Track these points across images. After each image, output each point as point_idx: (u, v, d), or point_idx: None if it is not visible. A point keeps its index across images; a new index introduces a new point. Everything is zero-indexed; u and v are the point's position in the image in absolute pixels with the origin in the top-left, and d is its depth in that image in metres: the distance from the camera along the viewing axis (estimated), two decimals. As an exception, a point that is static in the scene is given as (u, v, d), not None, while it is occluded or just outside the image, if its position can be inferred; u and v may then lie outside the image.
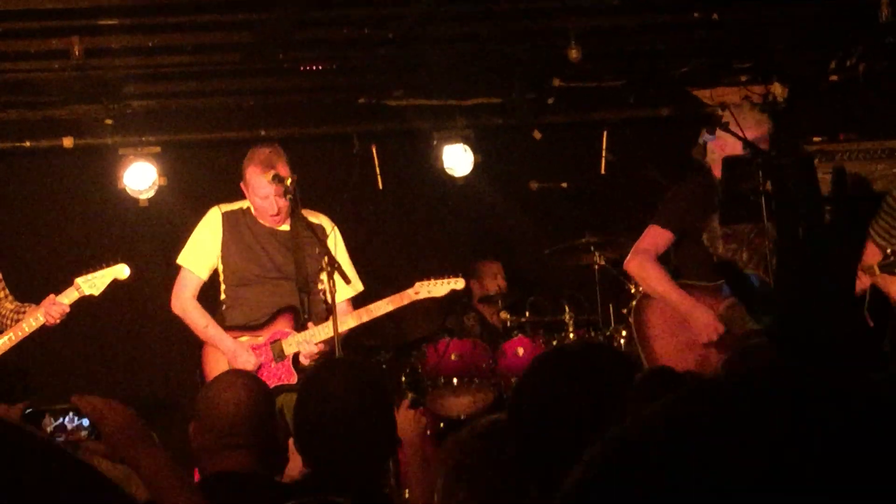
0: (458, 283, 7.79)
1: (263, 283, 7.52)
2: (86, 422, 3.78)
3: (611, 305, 8.92)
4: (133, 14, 7.44)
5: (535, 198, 10.11)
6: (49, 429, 4.12)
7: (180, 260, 7.65)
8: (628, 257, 7.44)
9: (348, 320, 7.49)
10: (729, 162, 7.03)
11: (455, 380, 8.57)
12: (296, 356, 7.43)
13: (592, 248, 8.87)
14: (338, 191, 9.76)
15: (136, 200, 9.19)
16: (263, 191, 7.41)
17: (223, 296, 7.61)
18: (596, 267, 8.91)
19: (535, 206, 10.21)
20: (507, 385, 8.67)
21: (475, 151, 9.81)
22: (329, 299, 7.17)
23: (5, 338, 7.41)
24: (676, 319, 7.10)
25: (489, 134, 10.03)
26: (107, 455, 3.34)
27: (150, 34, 7.80)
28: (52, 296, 7.41)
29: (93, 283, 7.49)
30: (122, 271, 7.58)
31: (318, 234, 7.42)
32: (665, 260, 7.42)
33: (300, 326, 7.48)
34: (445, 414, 8.56)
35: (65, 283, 7.54)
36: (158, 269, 8.84)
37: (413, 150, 10.02)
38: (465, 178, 9.90)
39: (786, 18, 8.66)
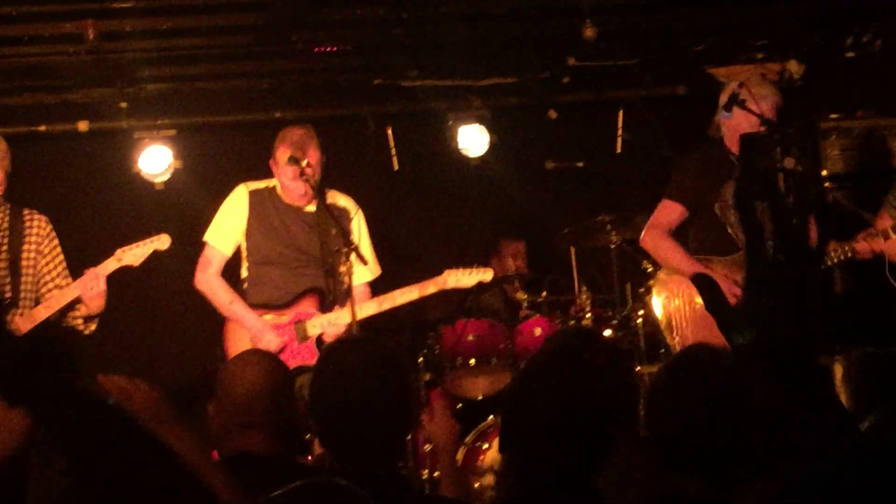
0: (487, 275, 7.79)
1: (287, 264, 7.55)
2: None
3: (628, 285, 8.90)
4: (147, -3, 7.44)
5: (551, 177, 10.08)
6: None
7: (206, 237, 7.70)
8: (643, 233, 7.46)
9: (368, 305, 7.50)
10: (746, 139, 7.01)
11: (472, 360, 8.55)
12: (319, 338, 7.44)
13: (609, 228, 8.85)
14: (353, 172, 9.75)
15: (151, 184, 9.19)
16: (292, 172, 7.43)
17: (245, 273, 7.64)
18: (612, 246, 8.89)
19: (550, 185, 10.19)
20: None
21: (490, 131, 9.79)
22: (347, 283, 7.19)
23: (42, 307, 7.38)
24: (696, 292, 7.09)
25: (504, 114, 10.01)
26: None
27: (164, 17, 7.79)
28: (91, 269, 7.39)
29: (134, 254, 7.46)
30: (163, 242, 7.55)
31: (340, 217, 7.43)
32: (684, 234, 7.42)
33: (325, 308, 7.50)
34: (463, 395, 8.55)
35: (80, 267, 7.54)
36: (175, 253, 8.84)
37: (428, 131, 10.01)
38: (481, 158, 9.88)
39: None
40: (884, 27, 9.16)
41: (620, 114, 10.11)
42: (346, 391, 3.92)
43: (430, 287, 7.64)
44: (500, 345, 8.60)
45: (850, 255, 7.05)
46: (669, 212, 7.44)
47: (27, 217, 7.44)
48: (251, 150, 9.45)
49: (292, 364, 7.31)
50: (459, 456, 7.72)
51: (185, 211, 8.99)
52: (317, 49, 8.86)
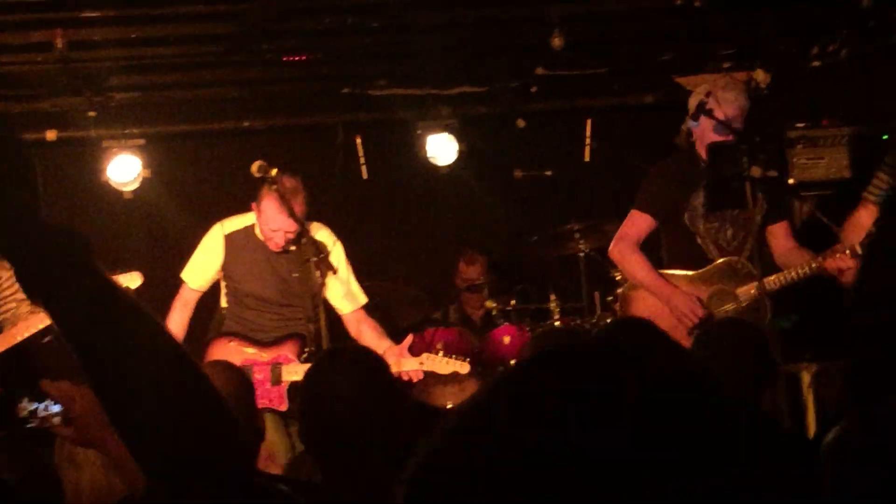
0: (464, 368, 7.76)
1: (268, 303, 7.49)
2: (59, 408, 3.78)
3: (596, 293, 8.93)
4: (115, 6, 7.43)
5: (520, 186, 10.10)
6: (23, 413, 4.11)
7: (183, 274, 7.67)
8: (611, 244, 7.43)
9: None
10: (714, 148, 7.05)
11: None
12: (292, 385, 7.39)
13: (577, 236, 8.89)
14: (322, 181, 9.76)
15: (120, 193, 9.17)
16: (275, 224, 7.37)
17: (224, 303, 7.60)
18: (581, 255, 8.92)
19: (519, 194, 10.21)
20: (493, 373, 8.68)
21: (459, 140, 9.81)
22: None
23: (12, 334, 7.33)
24: (662, 307, 7.09)
25: (473, 122, 10.03)
26: (76, 440, 3.34)
27: (133, 26, 7.79)
28: None
29: None
30: (134, 280, 7.48)
31: (319, 251, 7.40)
32: (655, 245, 7.43)
33: (303, 357, 7.46)
34: (432, 403, 8.56)
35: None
36: (144, 262, 8.82)
37: (397, 140, 10.02)
38: (450, 166, 9.90)
39: (768, 4, 8.67)
40: (850, 36, 9.21)
41: (589, 123, 10.14)
42: (335, 403, 3.92)
43: (406, 364, 7.58)
44: (469, 353, 8.62)
45: (818, 271, 7.06)
46: (638, 223, 7.38)
47: None
48: (220, 159, 9.47)
49: (261, 404, 7.29)
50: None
51: (154, 220, 8.99)
52: (286, 58, 8.87)
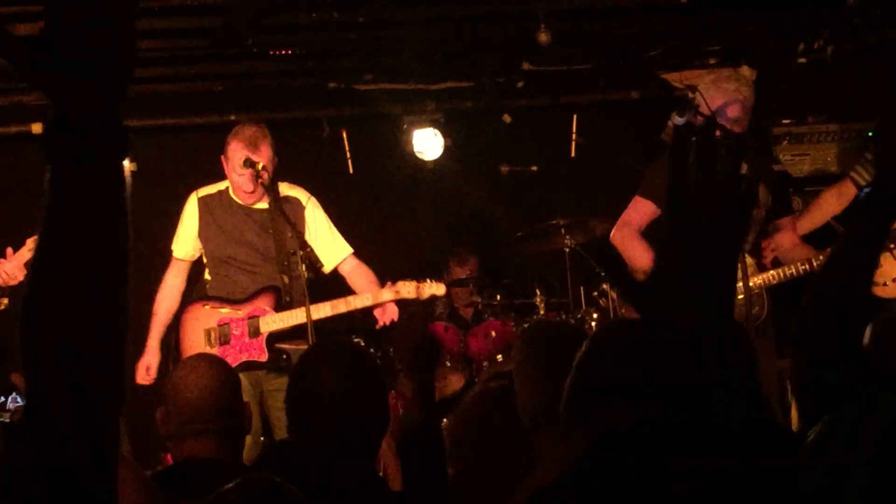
0: (440, 289, 7.80)
1: (244, 263, 7.59)
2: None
3: (581, 288, 8.94)
4: (101, -1, 7.41)
5: (506, 181, 10.12)
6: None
7: (172, 246, 7.78)
8: (613, 230, 7.35)
9: (322, 307, 7.52)
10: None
11: (447, 362, 8.59)
12: (270, 335, 7.48)
13: (563, 231, 8.89)
14: (308, 175, 9.75)
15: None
16: (241, 167, 7.45)
17: (207, 275, 7.69)
18: (566, 250, 8.93)
19: (505, 189, 10.22)
20: (478, 368, 8.70)
21: (445, 135, 9.82)
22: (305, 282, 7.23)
23: None
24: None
25: (459, 118, 10.05)
26: None
27: (119, 19, 7.77)
28: (9, 251, 7.37)
29: None
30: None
31: (294, 210, 7.49)
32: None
33: (281, 307, 7.53)
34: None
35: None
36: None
37: (383, 135, 10.03)
38: (436, 161, 9.91)
39: (754, 1, 8.69)
40: (835, 33, 9.23)
41: (575, 118, 10.15)
42: (322, 393, 3.93)
43: (384, 294, 7.66)
44: (454, 347, 8.64)
45: (819, 267, 7.07)
46: (641, 209, 7.32)
47: None
48: (206, 153, 9.42)
49: (241, 358, 7.44)
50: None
51: (140, 213, 8.92)
52: (272, 52, 8.87)
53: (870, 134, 8.74)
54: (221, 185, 7.68)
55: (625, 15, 8.81)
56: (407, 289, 7.68)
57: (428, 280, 7.77)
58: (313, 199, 7.75)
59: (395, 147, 9.90)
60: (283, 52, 8.88)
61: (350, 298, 7.62)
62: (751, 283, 7.04)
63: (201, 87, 9.57)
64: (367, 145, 10.09)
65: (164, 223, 7.97)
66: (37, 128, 9.19)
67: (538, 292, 8.85)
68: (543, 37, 8.18)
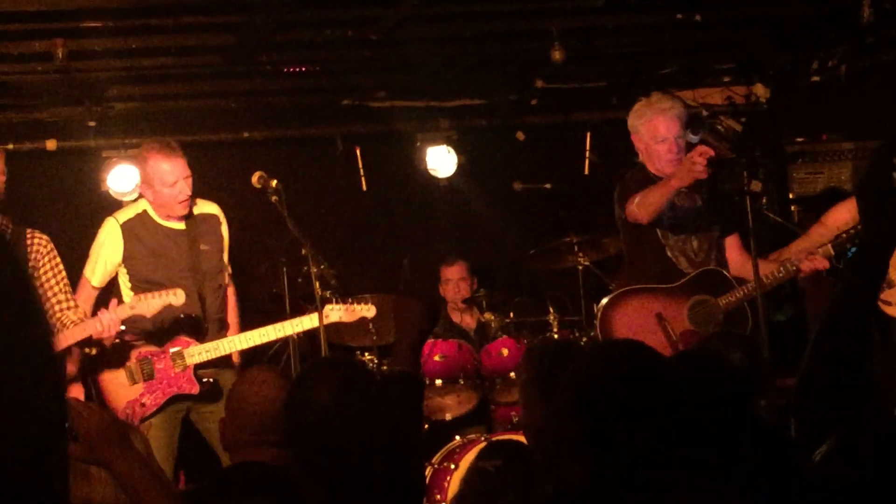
0: (370, 312, 7.66)
1: (168, 286, 7.39)
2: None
3: (594, 305, 8.93)
4: (116, 17, 7.44)
5: (519, 199, 10.12)
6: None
7: (85, 271, 7.59)
8: (627, 210, 7.26)
9: (246, 337, 7.48)
10: (714, 163, 7.05)
11: (439, 381, 8.57)
12: (197, 366, 7.38)
13: (576, 249, 8.90)
14: (321, 192, 9.78)
15: (119, 203, 9.16)
16: (169, 177, 7.37)
17: (126, 299, 7.44)
18: (579, 268, 8.93)
19: (518, 206, 10.22)
20: (491, 386, 8.69)
21: (458, 152, 9.83)
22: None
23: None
24: (640, 324, 7.10)
25: (472, 135, 10.05)
26: (81, 457, 3.34)
27: (133, 36, 7.80)
28: (114, 302, 7.22)
29: (147, 304, 7.26)
30: (179, 297, 7.36)
31: (212, 225, 7.46)
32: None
33: (199, 335, 7.44)
34: (430, 415, 8.57)
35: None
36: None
37: (396, 152, 10.03)
38: (449, 179, 9.92)
39: (768, 19, 8.69)
40: (849, 51, 9.23)
41: (588, 136, 10.15)
42: (316, 410, 3.92)
43: (303, 323, 7.53)
44: (468, 365, 8.62)
45: (795, 273, 7.11)
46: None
47: (28, 236, 7.36)
48: (219, 170, 9.45)
49: (171, 392, 7.34)
50: (427, 473, 7.72)
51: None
52: (286, 69, 8.88)
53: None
54: (138, 208, 7.56)
55: (638, 33, 8.82)
56: (336, 312, 7.57)
57: (356, 302, 7.65)
58: (223, 216, 7.70)
59: (408, 164, 9.91)
60: (297, 69, 8.89)
61: (282, 324, 7.49)
62: (724, 303, 7.11)
63: (215, 104, 9.59)
64: (380, 162, 10.09)
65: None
66: (51, 144, 9.20)
67: (551, 310, 8.84)
68: (557, 54, 8.19)
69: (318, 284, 7.22)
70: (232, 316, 7.78)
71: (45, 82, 8.41)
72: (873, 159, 3.81)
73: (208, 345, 7.37)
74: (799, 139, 9.25)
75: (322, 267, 7.22)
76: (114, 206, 9.14)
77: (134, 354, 7.42)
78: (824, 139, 9.25)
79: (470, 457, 7.23)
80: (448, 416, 8.54)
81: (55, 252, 7.33)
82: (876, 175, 3.28)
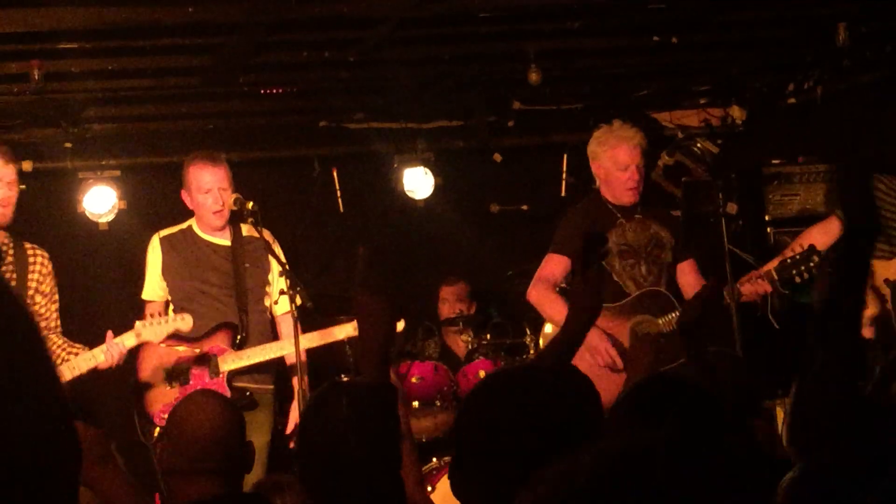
0: (349, 331, 7.65)
1: (206, 298, 7.56)
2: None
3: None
4: (93, 38, 7.41)
5: (496, 220, 10.13)
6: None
7: (143, 295, 7.73)
8: (529, 287, 7.61)
9: (279, 345, 7.52)
10: (689, 185, 7.11)
11: (416, 402, 8.56)
12: (230, 374, 7.43)
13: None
14: (299, 214, 9.77)
15: (95, 224, 9.16)
16: (206, 184, 7.48)
17: (171, 313, 7.57)
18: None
19: (495, 228, 10.23)
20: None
21: (436, 174, 9.83)
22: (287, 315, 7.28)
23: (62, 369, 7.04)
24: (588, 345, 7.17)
25: (450, 157, 10.05)
26: None
27: (110, 58, 7.78)
28: (110, 333, 7.21)
29: (154, 331, 7.25)
30: (186, 322, 7.33)
31: (262, 248, 7.48)
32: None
33: (237, 344, 7.49)
34: (408, 436, 8.54)
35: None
36: (119, 292, 8.85)
37: (374, 173, 10.03)
38: (426, 200, 9.92)
39: (744, 41, 8.72)
40: (825, 73, 9.26)
41: (565, 157, 10.17)
42: (331, 435, 3.88)
43: (336, 333, 7.57)
44: (444, 387, 8.61)
45: (737, 298, 7.20)
46: (555, 265, 7.65)
47: (30, 251, 7.37)
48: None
49: None
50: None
51: (129, 251, 8.94)
52: (263, 91, 8.88)
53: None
54: (183, 225, 7.72)
55: (615, 55, 8.83)
56: (342, 330, 7.60)
57: (341, 319, 7.67)
58: (277, 242, 7.72)
59: (385, 186, 9.90)
60: (274, 90, 8.88)
61: (307, 335, 7.54)
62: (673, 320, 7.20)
63: (192, 125, 9.58)
64: (357, 184, 10.09)
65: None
66: (27, 165, 9.17)
67: (528, 332, 8.83)
68: (534, 76, 8.20)
69: (293, 306, 7.22)
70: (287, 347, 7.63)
71: (21, 103, 8.38)
72: (852, 177, 3.86)
73: (242, 352, 7.43)
74: (775, 161, 9.27)
75: (298, 289, 7.21)
76: (90, 227, 9.14)
77: (172, 358, 7.47)
78: (800, 161, 9.27)
79: (446, 479, 7.21)
80: (424, 439, 8.52)
81: (53, 272, 7.37)
82: (859, 191, 3.34)
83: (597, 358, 7.14)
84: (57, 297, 7.45)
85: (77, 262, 9.21)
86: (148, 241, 7.82)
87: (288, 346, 7.44)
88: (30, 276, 7.28)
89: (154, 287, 7.73)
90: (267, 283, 7.72)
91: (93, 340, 8.96)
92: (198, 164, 7.60)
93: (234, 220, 7.69)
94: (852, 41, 7.95)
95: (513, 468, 2.92)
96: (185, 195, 7.67)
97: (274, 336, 7.77)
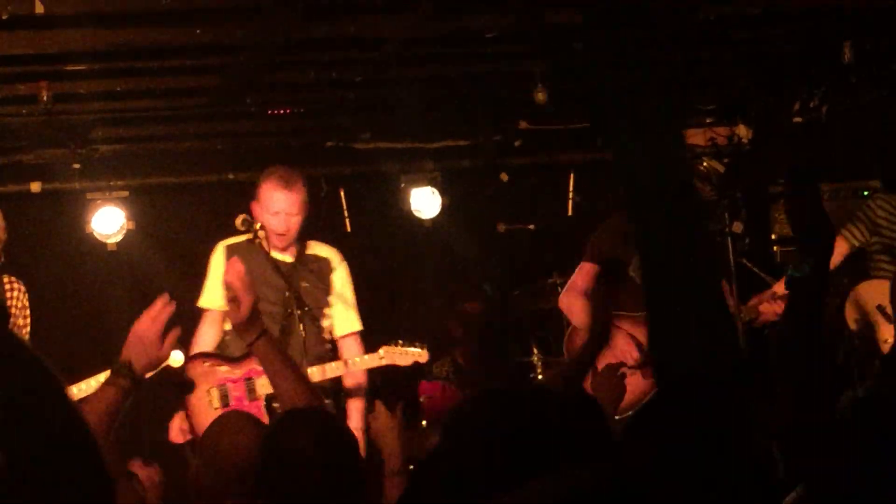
0: (423, 357, 7.70)
1: (263, 314, 7.45)
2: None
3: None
4: (101, 59, 7.43)
5: (503, 239, 10.14)
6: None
7: (199, 303, 7.66)
8: (560, 295, 7.77)
9: (321, 370, 7.49)
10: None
11: (423, 422, 8.57)
12: (268, 397, 7.38)
13: (559, 289, 8.91)
14: (305, 234, 9.77)
15: (104, 245, 9.17)
16: (275, 207, 7.45)
17: (227, 326, 7.53)
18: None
19: (502, 247, 10.24)
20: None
21: (443, 194, 9.84)
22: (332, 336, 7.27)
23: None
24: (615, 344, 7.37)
25: (457, 176, 10.07)
26: None
27: (118, 79, 7.80)
28: None
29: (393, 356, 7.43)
30: (177, 358, 7.36)
31: (320, 268, 7.46)
32: None
33: None
34: (412, 455, 8.54)
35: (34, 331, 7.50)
36: (127, 314, 8.82)
37: (381, 193, 10.04)
38: (433, 220, 9.92)
39: (750, 60, 8.73)
40: (830, 93, 9.27)
41: (572, 177, 10.18)
42: (293, 459, 3.90)
43: (365, 363, 7.58)
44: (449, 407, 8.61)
45: (754, 317, 7.26)
46: (586, 274, 7.86)
47: (7, 283, 7.36)
48: (204, 212, 9.46)
49: None
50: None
51: (138, 272, 8.99)
52: (270, 111, 8.90)
53: (865, 193, 8.78)
54: (250, 235, 7.66)
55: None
56: (392, 355, 7.61)
57: (416, 343, 7.70)
58: (345, 264, 7.71)
59: (392, 205, 9.92)
60: (281, 111, 8.90)
61: (347, 361, 7.53)
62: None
63: (199, 146, 9.60)
64: (364, 204, 10.11)
65: (161, 281, 7.97)
66: (35, 186, 9.21)
67: (535, 350, 8.85)
68: (541, 96, 8.21)
69: (301, 327, 7.21)
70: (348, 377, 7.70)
71: (30, 125, 8.41)
72: (798, 186, 3.90)
73: None
74: (781, 180, 9.27)
75: (306, 309, 7.21)
76: (99, 248, 9.16)
77: (215, 380, 7.43)
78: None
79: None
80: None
81: (28, 305, 7.36)
82: (810, 206, 3.38)
83: (621, 357, 7.30)
84: (29, 328, 7.46)
85: (85, 282, 9.24)
86: (191, 280, 7.71)
87: (332, 370, 7.42)
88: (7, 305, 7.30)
89: (215, 295, 7.60)
90: (326, 304, 7.66)
91: (101, 361, 9.00)
92: (271, 184, 7.52)
93: (301, 237, 7.65)
94: (858, 59, 7.96)
95: (476, 486, 2.94)
96: (255, 207, 7.60)
97: (334, 358, 7.73)
